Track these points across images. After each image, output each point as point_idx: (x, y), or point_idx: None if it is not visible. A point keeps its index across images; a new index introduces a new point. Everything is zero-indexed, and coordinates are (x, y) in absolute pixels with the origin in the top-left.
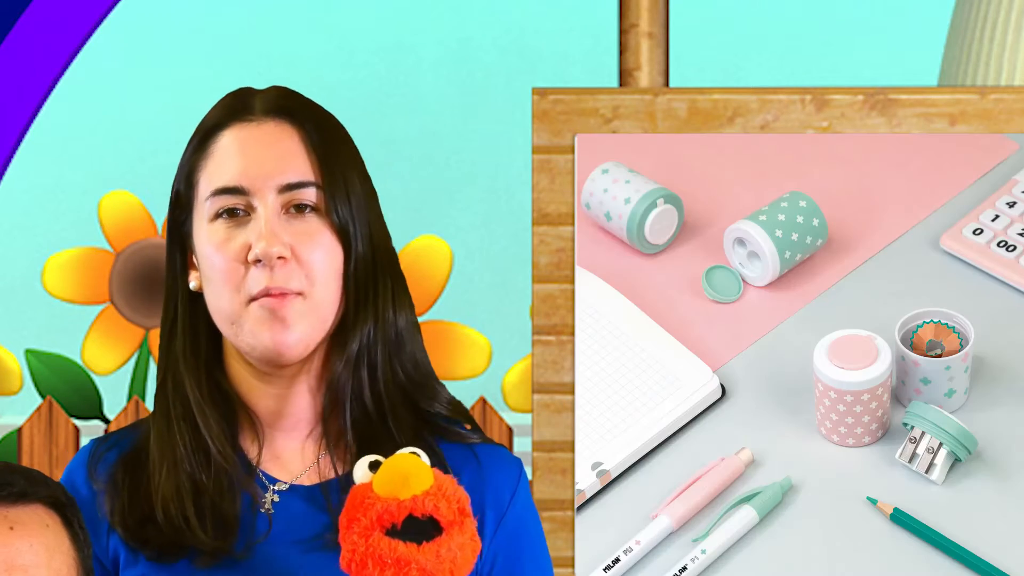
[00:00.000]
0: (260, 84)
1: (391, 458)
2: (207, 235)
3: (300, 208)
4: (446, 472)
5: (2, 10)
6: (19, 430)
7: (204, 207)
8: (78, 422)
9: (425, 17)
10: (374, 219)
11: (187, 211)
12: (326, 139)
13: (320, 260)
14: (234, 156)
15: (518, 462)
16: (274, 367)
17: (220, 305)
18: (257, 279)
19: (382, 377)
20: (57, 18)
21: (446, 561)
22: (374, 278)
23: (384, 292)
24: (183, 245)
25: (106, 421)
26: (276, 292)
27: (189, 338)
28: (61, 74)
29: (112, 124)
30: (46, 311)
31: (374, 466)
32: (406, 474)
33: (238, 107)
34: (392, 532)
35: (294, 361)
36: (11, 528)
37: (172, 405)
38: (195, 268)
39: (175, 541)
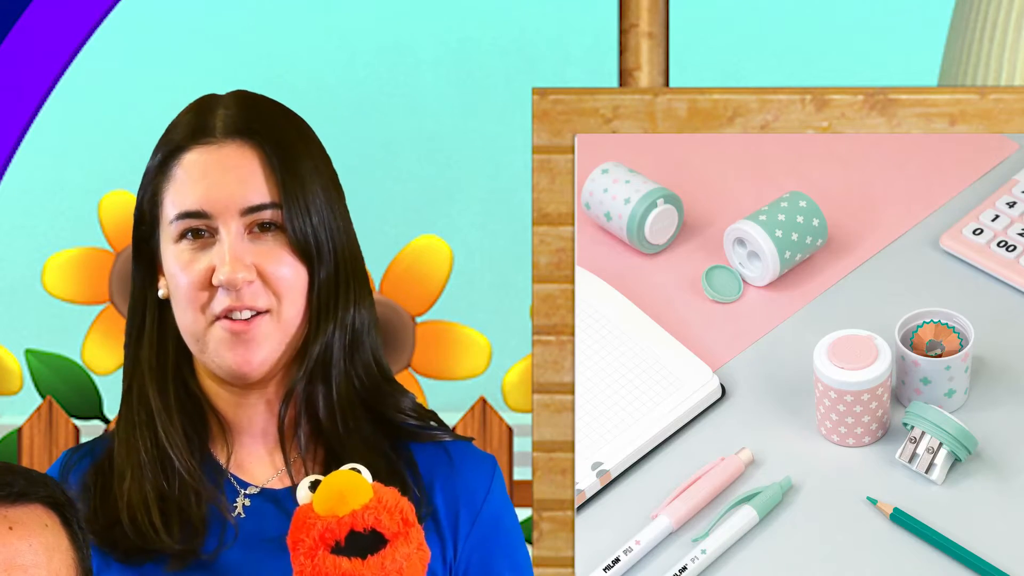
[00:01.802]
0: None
1: (328, 476)
2: (173, 255)
3: (264, 228)
4: (410, 482)
5: (2, 10)
6: (19, 430)
7: (169, 229)
8: (78, 422)
9: (425, 17)
10: (339, 226)
11: (153, 228)
12: (287, 158)
13: (287, 276)
14: (196, 180)
15: (491, 459)
16: (239, 383)
17: (185, 323)
18: (222, 300)
19: (337, 386)
20: (57, 18)
21: (392, 572)
22: (337, 289)
23: (346, 299)
24: (151, 258)
25: (106, 421)
26: (240, 308)
27: (156, 346)
28: (61, 74)
29: (112, 124)
30: (46, 311)
31: (314, 486)
32: (342, 491)
33: (199, 127)
34: (337, 549)
35: (257, 379)
36: (10, 528)
37: (136, 413)
38: (164, 275)
39: (142, 546)
